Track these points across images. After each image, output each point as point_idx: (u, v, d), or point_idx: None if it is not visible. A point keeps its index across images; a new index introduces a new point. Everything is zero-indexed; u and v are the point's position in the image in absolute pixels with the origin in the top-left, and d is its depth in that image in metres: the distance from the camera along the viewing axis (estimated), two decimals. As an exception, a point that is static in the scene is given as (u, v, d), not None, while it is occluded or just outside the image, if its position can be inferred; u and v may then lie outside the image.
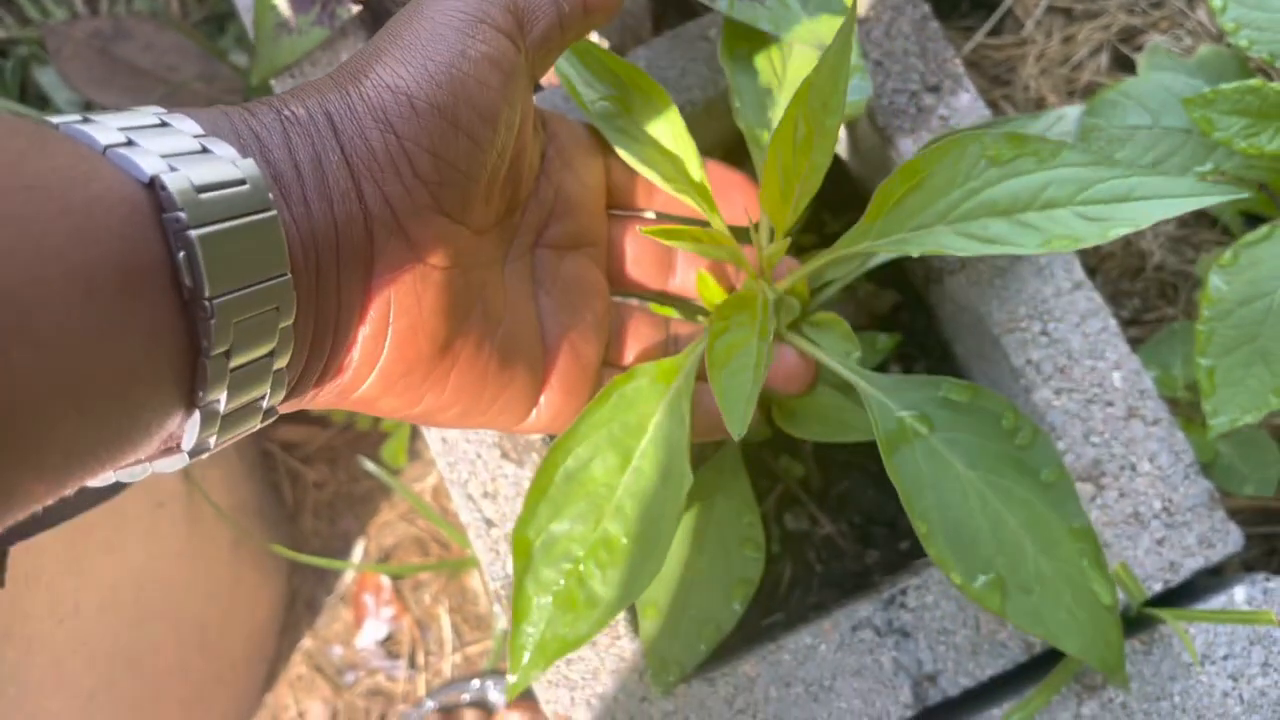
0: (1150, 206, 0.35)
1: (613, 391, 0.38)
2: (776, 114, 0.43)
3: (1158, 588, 0.45)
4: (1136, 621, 0.45)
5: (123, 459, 0.23)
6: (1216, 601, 0.45)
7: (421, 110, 0.29)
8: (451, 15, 0.30)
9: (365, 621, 0.74)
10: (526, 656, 0.36)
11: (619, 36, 0.55)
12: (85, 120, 0.24)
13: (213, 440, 0.26)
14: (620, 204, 0.41)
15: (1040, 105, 0.61)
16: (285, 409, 0.30)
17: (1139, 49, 0.62)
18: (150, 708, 0.61)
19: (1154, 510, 0.46)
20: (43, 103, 0.85)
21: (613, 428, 0.38)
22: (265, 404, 0.27)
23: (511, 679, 0.36)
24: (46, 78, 0.85)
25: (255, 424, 0.28)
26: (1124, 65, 0.62)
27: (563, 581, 0.36)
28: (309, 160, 0.28)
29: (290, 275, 0.26)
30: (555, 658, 0.36)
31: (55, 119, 0.24)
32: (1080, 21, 0.62)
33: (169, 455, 0.26)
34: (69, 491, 0.23)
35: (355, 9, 0.48)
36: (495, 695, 0.71)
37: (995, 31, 0.64)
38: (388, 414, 0.33)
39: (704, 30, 0.53)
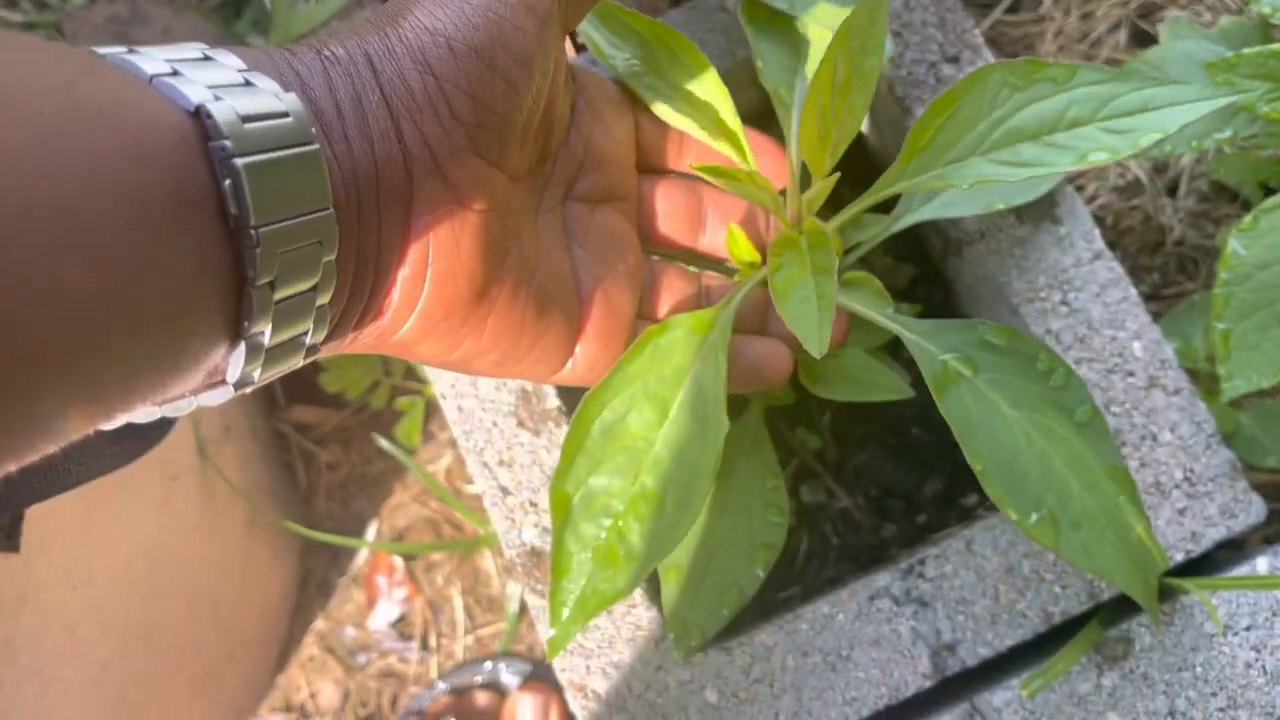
0: (1171, 113, 0.35)
1: (647, 343, 0.37)
2: (801, 71, 0.43)
3: (1179, 558, 0.45)
4: (1158, 591, 0.45)
5: (172, 387, 0.24)
6: (1238, 572, 0.44)
7: (460, 53, 0.29)
8: None
9: (378, 603, 0.74)
10: (566, 612, 0.36)
11: (636, 8, 0.54)
12: (131, 51, 0.24)
13: (256, 374, 0.26)
14: (649, 162, 0.41)
15: (1059, 81, 0.60)
16: (327, 350, 0.30)
17: (1158, 24, 0.62)
18: (162, 682, 0.61)
19: (1175, 480, 0.46)
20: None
21: (648, 380, 0.37)
22: (308, 340, 0.27)
23: (550, 633, 0.36)
24: (63, 62, 0.86)
25: (298, 360, 0.28)
26: (1143, 41, 0.62)
27: (603, 536, 0.36)
28: (349, 99, 0.28)
29: (333, 209, 0.26)
30: (595, 613, 0.36)
31: (101, 49, 0.24)
32: (1099, -2, 0.62)
33: (214, 388, 0.26)
34: (119, 419, 0.23)
35: (373, -24, 0.48)
36: (507, 677, 0.71)
37: (1013, 9, 0.64)
38: (426, 359, 0.33)
39: (721, 2, 0.53)
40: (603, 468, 0.37)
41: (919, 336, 0.38)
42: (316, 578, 0.76)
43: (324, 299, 0.27)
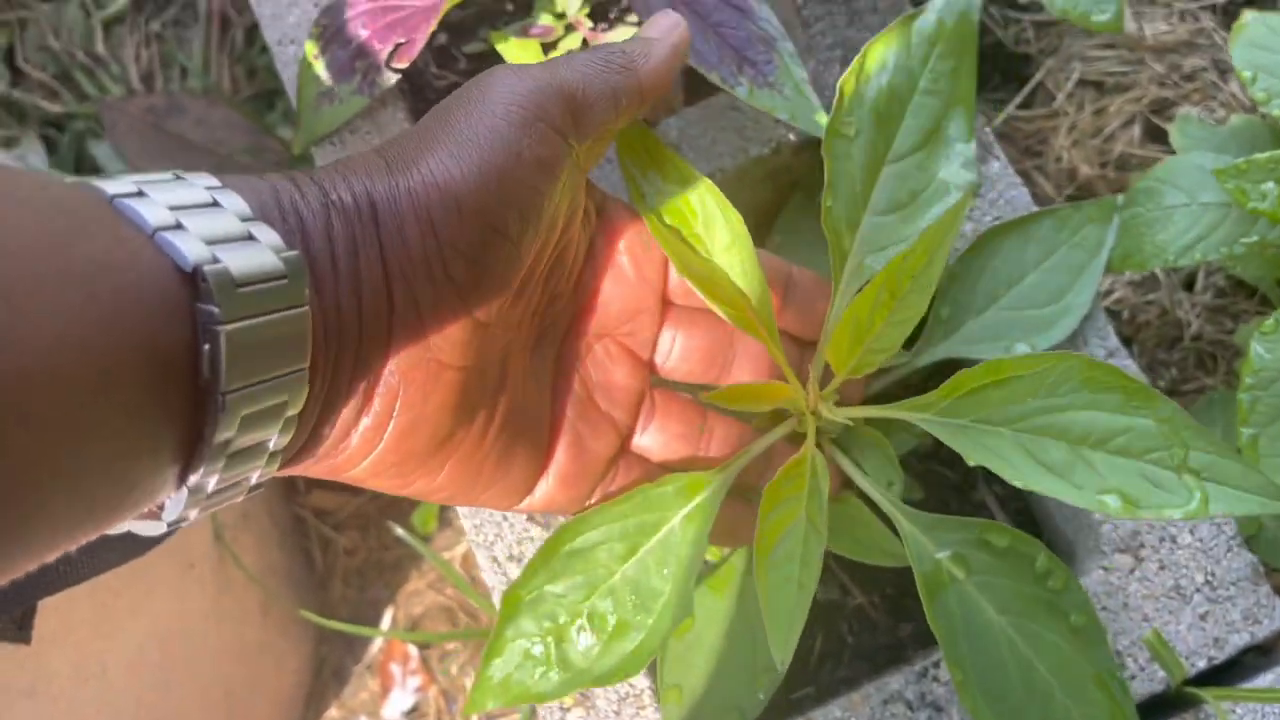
0: (1219, 494, 0.34)
1: (638, 492, 0.38)
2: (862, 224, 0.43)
3: (1202, 664, 0.44)
4: (1178, 699, 0.44)
5: (103, 529, 0.23)
6: (1264, 680, 0.43)
7: (467, 215, 0.28)
8: (510, 109, 0.30)
9: (392, 692, 0.74)
10: (491, 685, 0.37)
11: (651, 106, 0.56)
12: (139, 194, 0.24)
13: (193, 514, 0.26)
14: (684, 294, 0.40)
15: (1073, 177, 0.61)
16: (270, 475, 0.30)
17: (1172, 121, 0.62)
18: (172, 773, 0.60)
19: (1196, 584, 0.45)
20: (96, 176, 0.88)
21: (627, 524, 0.38)
22: (254, 480, 0.27)
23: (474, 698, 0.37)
24: (101, 151, 0.88)
25: (239, 497, 0.27)
26: (1156, 136, 0.62)
27: (540, 638, 0.37)
28: (346, 252, 0.27)
29: (306, 370, 0.26)
30: (514, 701, 0.37)
31: (111, 188, 0.24)
32: (1111, 94, 0.62)
33: (147, 520, 0.26)
34: (45, 561, 0.22)
35: (394, 79, 0.49)
36: (521, 770, 0.69)
37: (1026, 104, 0.64)
38: (377, 489, 0.33)
39: (734, 101, 0.54)
40: (559, 581, 0.37)
41: (917, 529, 0.38)
42: (331, 664, 0.75)
43: (279, 445, 0.26)
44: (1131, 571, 0.45)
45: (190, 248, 0.23)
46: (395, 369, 0.29)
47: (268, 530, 0.71)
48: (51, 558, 0.22)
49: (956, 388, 0.37)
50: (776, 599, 0.35)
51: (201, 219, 0.24)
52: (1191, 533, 0.45)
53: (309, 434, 0.28)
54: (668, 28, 0.36)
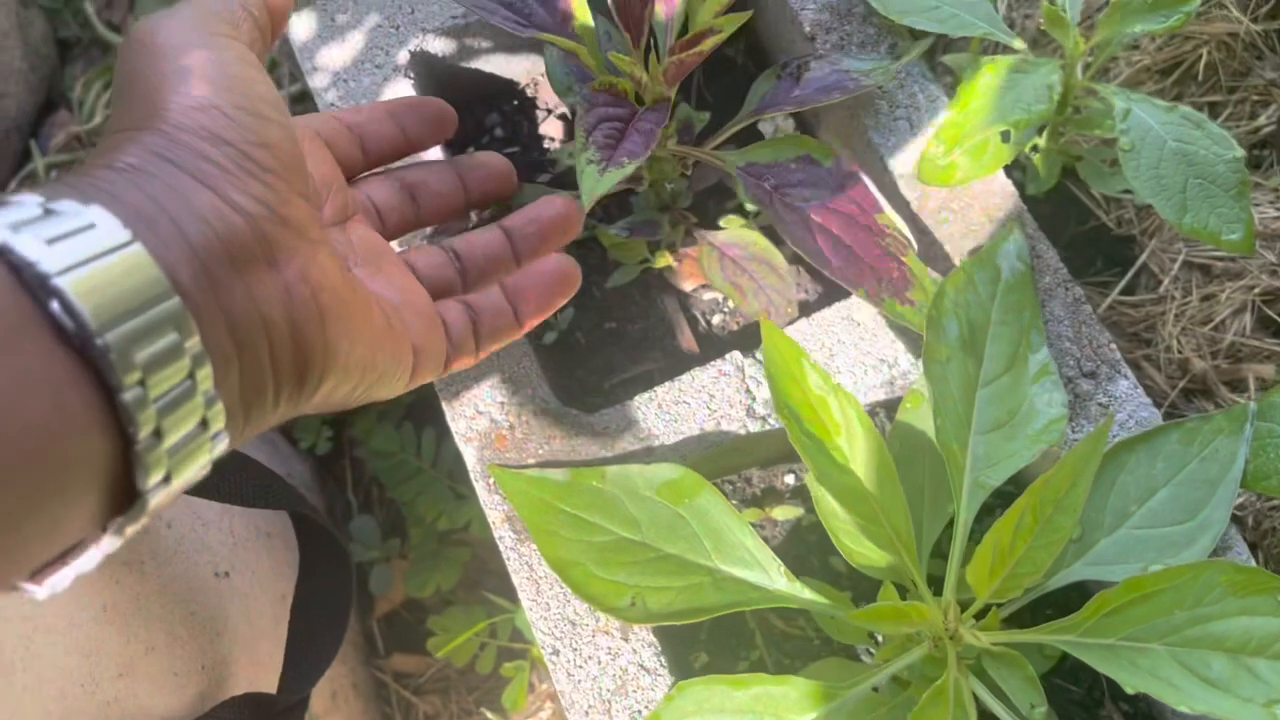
0: None
1: (755, 683, 0.38)
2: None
3: None
4: None
5: (73, 521, 0.24)
6: None
7: (234, 115, 0.31)
8: (191, 34, 0.33)
9: None
10: None
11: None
12: None
13: (169, 476, 0.26)
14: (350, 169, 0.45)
15: (1184, 368, 0.59)
16: (254, 429, 0.31)
17: (1287, 315, 0.61)
18: None
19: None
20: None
21: (746, 717, 0.38)
22: (214, 429, 0.28)
23: None
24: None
25: (206, 455, 0.28)
26: (1270, 327, 0.61)
27: None
28: (165, 190, 0.28)
29: (178, 298, 0.26)
30: None
31: None
32: (1220, 279, 0.61)
33: (130, 507, 0.26)
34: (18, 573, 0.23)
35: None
36: None
37: (1130, 289, 0.63)
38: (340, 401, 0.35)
39: (850, 312, 0.53)
40: None
41: None
42: (413, 836, 0.74)
43: (206, 383, 0.27)
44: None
45: None
46: (288, 260, 0.31)
47: (354, 704, 0.70)
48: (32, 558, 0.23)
49: (1101, 607, 0.37)
50: None
51: None
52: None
53: (241, 360, 0.29)
54: None
